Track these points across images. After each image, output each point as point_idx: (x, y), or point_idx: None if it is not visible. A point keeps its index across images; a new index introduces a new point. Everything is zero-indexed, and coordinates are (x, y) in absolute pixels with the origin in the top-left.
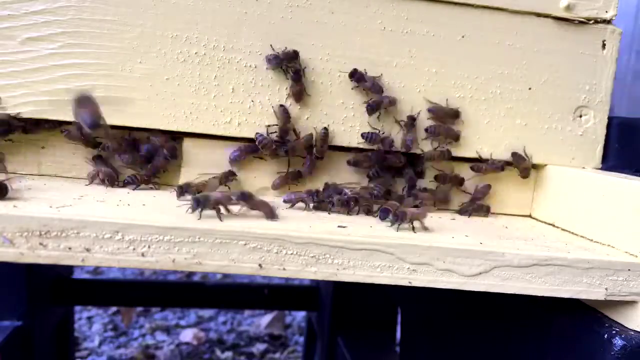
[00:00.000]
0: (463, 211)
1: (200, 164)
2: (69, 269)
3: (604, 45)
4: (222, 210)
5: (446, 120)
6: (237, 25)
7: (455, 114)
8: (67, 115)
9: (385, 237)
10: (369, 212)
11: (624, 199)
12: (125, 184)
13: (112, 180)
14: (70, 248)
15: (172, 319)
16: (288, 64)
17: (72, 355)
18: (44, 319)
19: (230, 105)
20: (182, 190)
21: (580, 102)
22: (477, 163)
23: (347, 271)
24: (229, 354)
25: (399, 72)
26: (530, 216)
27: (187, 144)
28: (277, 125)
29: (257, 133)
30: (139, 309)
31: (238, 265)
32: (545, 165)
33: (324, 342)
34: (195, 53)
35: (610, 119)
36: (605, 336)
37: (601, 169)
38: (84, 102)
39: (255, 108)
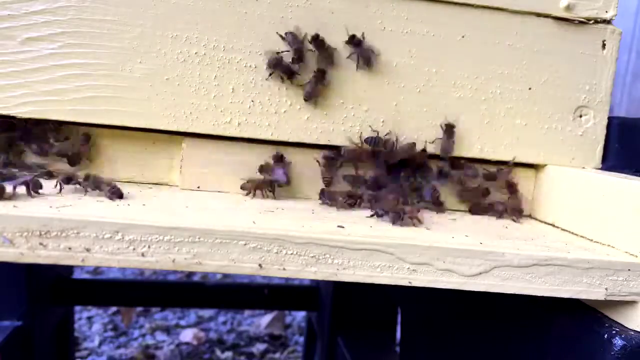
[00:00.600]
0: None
1: (200, 164)
2: (69, 269)
3: (604, 45)
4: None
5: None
6: (237, 25)
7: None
8: (69, 115)
9: (385, 237)
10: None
11: (624, 199)
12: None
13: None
14: (70, 248)
15: (172, 319)
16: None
17: (72, 355)
18: (44, 319)
19: (230, 105)
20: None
21: (580, 102)
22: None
23: (347, 271)
24: (229, 354)
25: (399, 72)
26: (530, 216)
27: (187, 144)
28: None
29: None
30: (139, 309)
31: (238, 265)
32: (545, 165)
33: (324, 342)
34: (195, 53)
35: (610, 119)
36: (605, 336)
37: (601, 169)
38: None
39: (255, 108)
